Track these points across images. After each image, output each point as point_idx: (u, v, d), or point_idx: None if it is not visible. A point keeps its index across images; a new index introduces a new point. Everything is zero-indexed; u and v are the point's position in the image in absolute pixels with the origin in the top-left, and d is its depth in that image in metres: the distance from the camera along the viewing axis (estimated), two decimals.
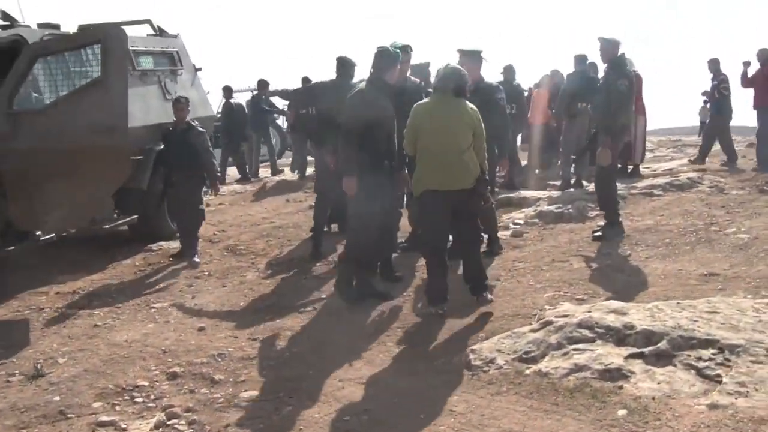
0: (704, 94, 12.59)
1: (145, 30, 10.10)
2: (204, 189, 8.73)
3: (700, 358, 4.27)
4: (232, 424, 4.33)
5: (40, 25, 8.64)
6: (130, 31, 10.00)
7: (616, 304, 5.09)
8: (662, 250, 7.17)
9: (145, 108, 8.94)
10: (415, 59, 7.64)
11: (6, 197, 6.84)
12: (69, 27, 9.65)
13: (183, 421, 4.37)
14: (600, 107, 7.70)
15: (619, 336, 4.63)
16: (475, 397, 4.37)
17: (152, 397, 4.76)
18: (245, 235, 9.26)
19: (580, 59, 10.85)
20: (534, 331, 4.97)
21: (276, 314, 6.24)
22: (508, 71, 11.68)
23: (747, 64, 11.43)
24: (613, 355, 4.44)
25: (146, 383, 4.95)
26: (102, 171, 7.03)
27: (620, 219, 7.85)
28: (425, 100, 5.96)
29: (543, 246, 7.71)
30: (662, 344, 4.43)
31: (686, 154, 14.61)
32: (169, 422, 4.36)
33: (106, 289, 7.29)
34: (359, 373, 4.88)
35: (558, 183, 11.14)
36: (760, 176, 10.28)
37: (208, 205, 9.95)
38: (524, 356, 4.71)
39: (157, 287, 7.31)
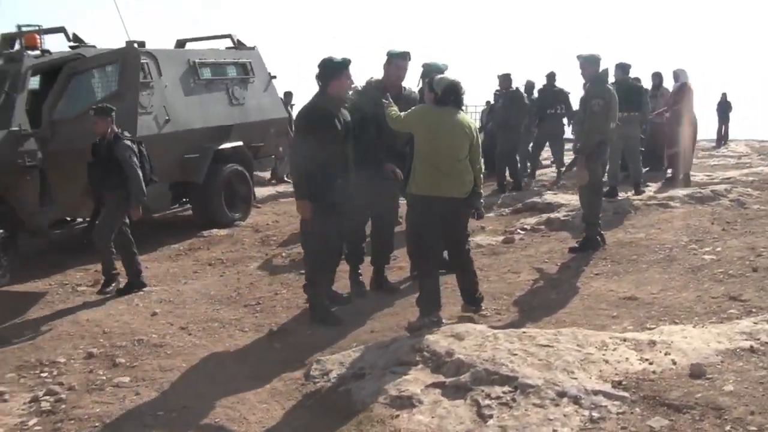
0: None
1: (227, 43, 10.48)
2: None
3: (489, 395, 3.67)
4: (81, 405, 4.24)
5: (128, 42, 9.07)
6: (211, 44, 10.44)
7: (462, 327, 4.48)
8: (620, 266, 6.29)
9: (205, 112, 9.20)
10: None
11: (51, 192, 7.22)
12: (165, 43, 10.18)
13: (52, 399, 4.35)
14: (577, 126, 6.84)
15: (438, 363, 4.09)
16: (277, 406, 4.05)
17: (55, 373, 4.77)
18: (290, 227, 9.17)
19: (622, 68, 9.63)
20: (380, 347, 4.51)
21: (226, 306, 6.09)
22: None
23: None
24: (418, 383, 3.91)
25: (63, 360, 4.97)
26: None
27: (600, 233, 6.97)
28: (425, 106, 5.17)
29: (518, 255, 7.02)
30: (465, 376, 3.85)
31: None
32: (42, 398, 4.37)
33: None
34: (221, 372, 4.64)
35: None
36: None
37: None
38: (357, 372, 4.27)
39: (171, 270, 7.43)
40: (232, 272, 7.25)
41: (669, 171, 10.54)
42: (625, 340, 4.19)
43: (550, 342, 4.11)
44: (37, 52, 7.54)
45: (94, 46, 8.06)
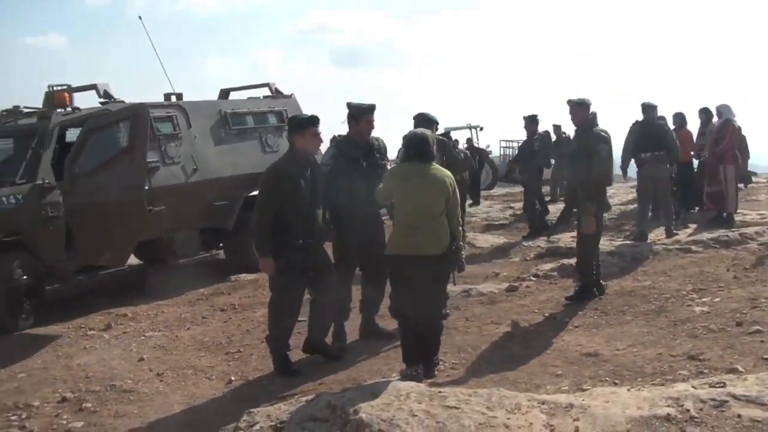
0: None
1: (265, 92, 10.90)
2: None
3: None
4: None
5: (166, 95, 9.66)
6: (251, 93, 10.89)
7: (382, 385, 4.41)
8: (606, 318, 6.09)
9: (235, 161, 9.57)
10: None
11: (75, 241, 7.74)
12: (207, 94, 10.70)
13: None
14: (580, 173, 6.57)
15: (344, 421, 4.05)
16: None
17: (24, 416, 5.03)
18: None
19: (648, 107, 9.26)
20: (306, 401, 4.54)
21: (210, 353, 6.27)
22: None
23: None
24: None
25: (38, 404, 5.26)
26: (128, 220, 7.66)
27: (598, 281, 6.75)
28: (401, 164, 5.18)
29: (514, 304, 6.87)
30: None
31: None
32: None
33: (146, 315, 7.86)
34: (164, 421, 4.81)
35: None
36: None
37: None
38: (276, 426, 4.33)
39: (182, 315, 7.72)
40: (238, 318, 7.45)
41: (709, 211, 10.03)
42: (543, 402, 4.04)
43: (460, 403, 4.02)
44: (69, 110, 8.16)
45: (123, 102, 8.62)
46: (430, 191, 4.84)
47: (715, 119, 10.13)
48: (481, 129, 24.14)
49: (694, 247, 7.94)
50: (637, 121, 9.25)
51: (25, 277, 7.39)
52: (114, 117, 7.80)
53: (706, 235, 8.32)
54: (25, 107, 8.45)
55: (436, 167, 4.98)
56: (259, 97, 10.81)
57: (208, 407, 5.01)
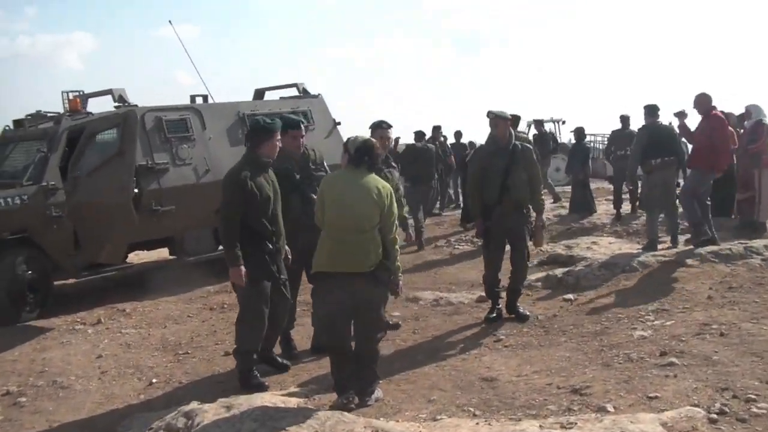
0: None
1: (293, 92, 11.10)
2: None
3: None
4: None
5: (192, 97, 10.04)
6: (278, 93, 11.10)
7: (241, 399, 4.45)
8: (544, 338, 5.85)
9: None
10: None
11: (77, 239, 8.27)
12: (240, 95, 11.04)
13: None
14: (521, 185, 6.24)
15: None
16: None
17: None
18: None
19: (651, 110, 8.58)
20: (179, 411, 4.63)
21: (164, 352, 6.48)
22: None
23: None
24: None
25: None
26: (118, 220, 8.04)
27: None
28: (336, 172, 5.05)
29: (468, 317, 6.75)
30: None
31: None
32: None
33: (142, 311, 8.22)
34: (64, 425, 5.06)
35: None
36: None
37: None
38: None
39: (172, 313, 8.02)
40: (217, 318, 7.66)
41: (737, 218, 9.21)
42: (377, 430, 3.93)
43: (291, 425, 3.98)
44: (82, 114, 8.68)
45: (135, 106, 9.03)
46: (366, 201, 4.50)
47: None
48: (564, 122, 23.68)
49: (689, 261, 7.30)
50: (644, 126, 8.57)
51: (29, 272, 7.94)
52: (108, 122, 8.22)
53: (708, 248, 7.62)
54: (47, 112, 9.04)
55: (374, 177, 4.67)
56: (287, 98, 11.00)
57: (115, 411, 5.22)
